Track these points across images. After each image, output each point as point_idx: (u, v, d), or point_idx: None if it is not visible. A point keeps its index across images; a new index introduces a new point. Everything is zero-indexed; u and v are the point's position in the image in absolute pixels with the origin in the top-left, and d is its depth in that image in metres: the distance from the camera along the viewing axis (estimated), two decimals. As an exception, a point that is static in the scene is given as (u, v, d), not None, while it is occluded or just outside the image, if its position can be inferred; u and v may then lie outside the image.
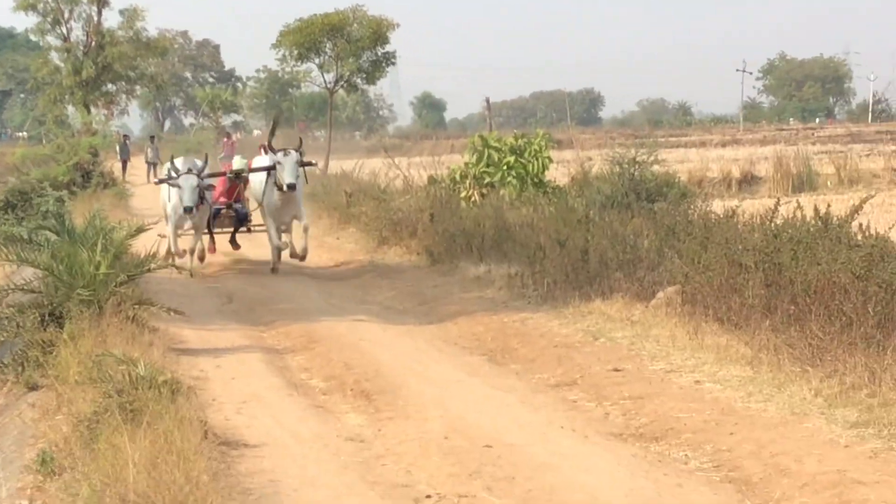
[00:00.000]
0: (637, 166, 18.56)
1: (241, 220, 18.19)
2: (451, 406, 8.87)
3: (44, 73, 41.95)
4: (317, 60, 36.64)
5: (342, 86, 37.47)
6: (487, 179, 20.36)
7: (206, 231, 17.50)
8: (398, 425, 8.43)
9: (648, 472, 7.16)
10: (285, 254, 17.39)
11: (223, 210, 17.92)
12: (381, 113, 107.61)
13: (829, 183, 32.14)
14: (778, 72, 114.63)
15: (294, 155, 16.54)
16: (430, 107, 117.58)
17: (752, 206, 15.28)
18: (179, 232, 17.02)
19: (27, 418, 8.65)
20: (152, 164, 37.04)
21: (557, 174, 23.46)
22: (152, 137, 42.66)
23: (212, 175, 17.60)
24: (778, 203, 11.90)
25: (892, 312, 8.96)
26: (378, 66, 36.58)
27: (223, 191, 17.86)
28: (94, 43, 41.13)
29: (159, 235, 15.86)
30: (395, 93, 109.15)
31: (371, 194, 22.99)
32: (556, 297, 13.17)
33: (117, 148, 40.71)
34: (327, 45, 35.81)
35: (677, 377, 9.49)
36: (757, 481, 6.90)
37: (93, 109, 41.94)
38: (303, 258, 17.06)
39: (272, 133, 18.80)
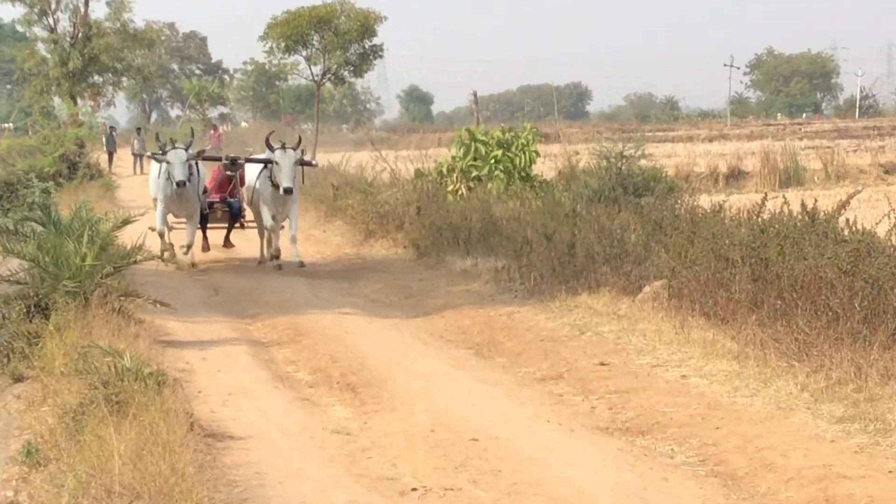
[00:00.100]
0: (624, 161, 18.57)
1: (234, 216, 17.75)
2: (437, 399, 8.88)
3: (30, 63, 41.72)
4: (304, 53, 36.44)
5: (329, 78, 37.30)
6: (475, 173, 20.33)
7: (198, 227, 17.01)
8: (384, 418, 8.43)
9: (634, 465, 7.17)
10: (285, 254, 16.41)
11: (216, 204, 17.48)
12: (368, 106, 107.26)
13: (816, 178, 32.21)
14: (765, 67, 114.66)
15: (292, 154, 15.94)
16: (417, 100, 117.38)
17: (739, 201, 15.34)
18: (173, 223, 16.86)
19: (12, 410, 8.65)
20: (138, 156, 37.00)
21: (544, 168, 23.45)
22: (139, 129, 42.65)
23: (208, 158, 17.40)
24: (765, 198, 11.94)
25: (878, 308, 8.99)
26: (365, 59, 36.44)
27: (217, 185, 17.61)
28: (80, 34, 40.87)
29: (150, 229, 15.32)
30: (383, 86, 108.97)
31: (358, 187, 22.94)
32: (543, 291, 13.17)
33: (104, 139, 40.75)
34: (314, 38, 35.63)
35: (663, 371, 9.51)
36: (742, 475, 6.92)
37: (79, 101, 41.73)
38: (301, 264, 16.23)
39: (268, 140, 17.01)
